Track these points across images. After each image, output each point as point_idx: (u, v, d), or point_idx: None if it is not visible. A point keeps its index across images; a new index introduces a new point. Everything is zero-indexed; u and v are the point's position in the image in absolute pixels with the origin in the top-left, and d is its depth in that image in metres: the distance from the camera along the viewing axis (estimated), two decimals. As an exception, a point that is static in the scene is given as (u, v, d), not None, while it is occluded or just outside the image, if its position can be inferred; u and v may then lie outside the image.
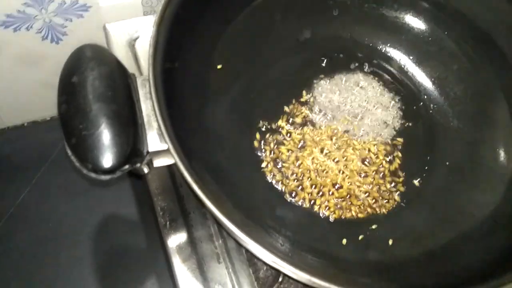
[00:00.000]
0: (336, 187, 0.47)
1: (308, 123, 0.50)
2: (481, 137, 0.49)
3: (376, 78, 0.53)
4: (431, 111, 0.52)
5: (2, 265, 0.64)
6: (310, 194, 0.46)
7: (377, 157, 0.49)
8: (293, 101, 0.51)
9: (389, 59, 0.54)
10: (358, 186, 0.47)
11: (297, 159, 0.48)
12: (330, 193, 0.47)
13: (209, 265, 0.46)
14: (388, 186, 0.48)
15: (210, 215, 0.34)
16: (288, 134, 0.49)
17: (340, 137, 0.49)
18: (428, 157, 0.50)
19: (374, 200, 0.47)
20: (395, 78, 0.53)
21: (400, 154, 0.49)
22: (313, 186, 0.47)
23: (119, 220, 0.68)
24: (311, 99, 0.51)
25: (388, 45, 0.54)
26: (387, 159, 0.49)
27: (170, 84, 0.39)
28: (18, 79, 0.63)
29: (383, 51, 0.54)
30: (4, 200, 0.68)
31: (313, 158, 0.48)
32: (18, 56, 0.59)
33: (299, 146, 0.48)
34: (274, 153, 0.48)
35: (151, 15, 0.58)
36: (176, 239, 0.47)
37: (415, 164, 0.49)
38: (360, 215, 0.46)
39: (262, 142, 0.48)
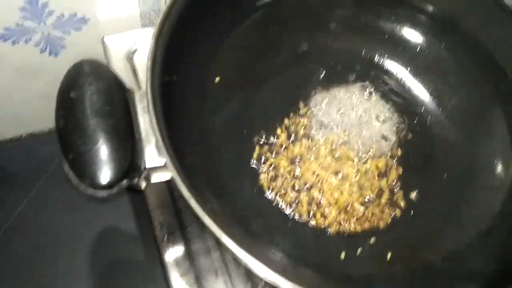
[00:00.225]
0: (334, 200, 0.47)
1: (306, 136, 0.50)
2: (479, 149, 0.49)
3: (374, 91, 0.53)
4: (428, 123, 0.52)
5: (1, 276, 0.64)
6: (308, 208, 0.46)
7: (375, 170, 0.49)
8: (291, 114, 0.51)
9: (387, 71, 0.54)
10: (357, 199, 0.47)
11: (295, 172, 0.48)
12: (328, 206, 0.46)
13: (207, 279, 0.45)
14: (387, 199, 0.48)
15: (208, 230, 0.34)
16: (286, 147, 0.49)
17: (338, 150, 0.49)
18: (426, 170, 0.50)
19: (372, 213, 0.47)
20: (392, 90, 0.53)
21: (398, 167, 0.49)
22: (311, 200, 0.47)
23: (117, 233, 0.68)
24: (309, 112, 0.51)
25: (386, 57, 0.54)
26: (385, 172, 0.49)
27: (168, 97, 0.39)
28: (17, 91, 0.63)
29: (380, 63, 0.54)
30: (1, 212, 0.68)
31: (311, 172, 0.48)
32: (17, 69, 0.59)
33: (297, 160, 0.48)
34: (272, 166, 0.48)
35: (149, 28, 0.58)
36: (173, 253, 0.47)
37: (413, 177, 0.49)
38: (358, 229, 0.46)
39: (261, 155, 0.48)
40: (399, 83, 0.54)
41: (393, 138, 0.51)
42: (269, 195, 0.46)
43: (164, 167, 0.35)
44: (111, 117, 0.33)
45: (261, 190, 0.47)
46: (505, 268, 0.41)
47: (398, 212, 0.47)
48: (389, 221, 0.47)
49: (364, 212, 0.47)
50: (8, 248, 0.65)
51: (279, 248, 0.43)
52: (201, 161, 0.43)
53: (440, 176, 0.49)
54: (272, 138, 0.49)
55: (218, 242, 0.42)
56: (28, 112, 0.67)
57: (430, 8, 0.50)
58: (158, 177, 0.39)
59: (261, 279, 0.44)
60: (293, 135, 0.50)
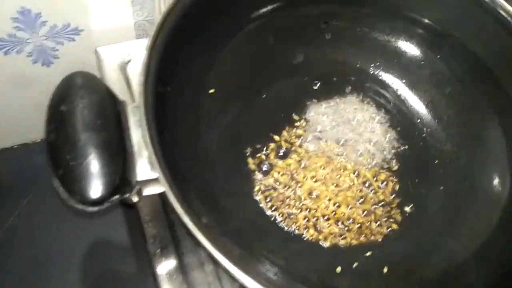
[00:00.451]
0: (330, 213, 0.46)
1: (301, 148, 0.49)
2: (475, 162, 0.49)
3: (369, 102, 0.53)
4: (424, 135, 0.52)
5: (-10, 291, 0.63)
6: (303, 221, 0.46)
7: (371, 183, 0.48)
8: (286, 126, 0.50)
9: (382, 83, 0.54)
10: (352, 213, 0.47)
11: (290, 185, 0.47)
12: (324, 220, 0.46)
13: (201, 293, 0.45)
14: (382, 212, 0.47)
15: (201, 246, 0.33)
16: (281, 160, 0.48)
17: (334, 162, 0.49)
18: (422, 182, 0.49)
19: (368, 227, 0.46)
20: (388, 102, 0.53)
21: (394, 179, 0.49)
22: (307, 213, 0.46)
23: (109, 245, 0.67)
24: (304, 124, 0.51)
25: (381, 69, 0.54)
26: (381, 184, 0.48)
27: (162, 110, 0.38)
28: (9, 102, 0.62)
29: (376, 75, 0.54)
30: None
31: (306, 185, 0.47)
32: (9, 79, 0.58)
33: (292, 172, 0.48)
34: (267, 179, 0.47)
35: (144, 39, 0.58)
36: (166, 267, 0.46)
37: (409, 189, 0.49)
38: (354, 242, 0.45)
39: (256, 168, 0.47)
40: (395, 94, 0.54)
41: (389, 150, 0.51)
42: (264, 208, 0.46)
43: (156, 180, 0.35)
44: (102, 131, 0.32)
45: (256, 204, 0.46)
46: (502, 283, 0.41)
47: (394, 225, 0.47)
48: (385, 234, 0.46)
49: (359, 226, 0.46)
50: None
51: (274, 263, 0.42)
52: (195, 175, 0.42)
53: (436, 189, 0.49)
54: (267, 151, 0.48)
55: (212, 258, 0.41)
56: (21, 122, 0.66)
57: (425, 20, 0.50)
58: (150, 191, 0.38)
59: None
60: (288, 148, 0.49)
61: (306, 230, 0.45)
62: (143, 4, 0.54)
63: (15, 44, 0.53)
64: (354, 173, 0.49)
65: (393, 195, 0.48)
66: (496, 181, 0.47)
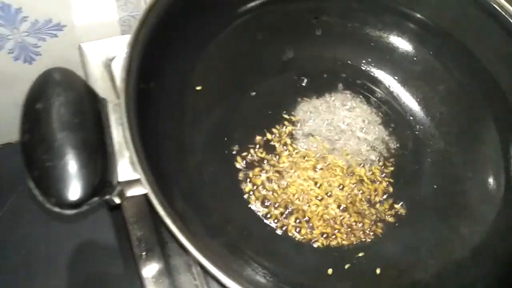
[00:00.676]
0: (321, 214, 0.45)
1: (291, 146, 0.48)
2: (469, 160, 0.48)
3: (361, 99, 0.52)
4: (417, 132, 0.51)
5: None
6: (293, 222, 0.44)
7: (363, 182, 0.47)
8: (276, 124, 0.49)
9: (374, 80, 0.53)
10: (344, 213, 0.45)
11: (280, 184, 0.46)
12: (315, 220, 0.45)
13: (188, 296, 0.43)
14: (375, 211, 0.46)
15: (185, 249, 0.32)
16: (271, 159, 0.47)
17: (324, 161, 0.47)
18: (415, 180, 0.48)
19: (360, 227, 0.45)
20: (380, 99, 0.52)
21: (386, 178, 0.48)
22: (297, 213, 0.45)
23: (96, 246, 0.65)
24: (294, 121, 0.49)
25: (373, 65, 0.53)
26: (373, 183, 0.47)
27: (145, 108, 0.37)
28: (-9, 100, 0.60)
29: (367, 71, 0.53)
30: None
31: (296, 184, 0.46)
32: (-10, 77, 0.56)
33: (282, 171, 0.46)
34: (256, 178, 0.46)
35: (129, 35, 0.56)
36: (152, 270, 0.44)
37: (402, 188, 0.47)
38: (345, 243, 0.44)
39: (244, 167, 0.46)
40: (387, 91, 0.53)
41: (381, 148, 0.49)
42: (254, 208, 0.45)
43: (139, 181, 0.33)
44: (80, 130, 0.31)
45: (244, 204, 0.45)
46: (499, 283, 0.40)
47: (387, 225, 0.45)
48: (378, 235, 0.45)
49: (351, 226, 0.45)
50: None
51: (263, 265, 0.41)
52: (180, 175, 0.41)
53: (430, 188, 0.48)
54: (256, 150, 0.47)
55: (197, 263, 0.40)
56: (3, 121, 0.64)
57: (416, 15, 0.49)
58: (134, 191, 0.36)
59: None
60: (277, 146, 0.48)
61: (297, 231, 0.44)
62: (127, -1, 0.53)
63: (-5, 40, 0.51)
64: (345, 172, 0.47)
65: (386, 195, 0.47)
66: (490, 179, 0.46)
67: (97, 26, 0.54)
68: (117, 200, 0.35)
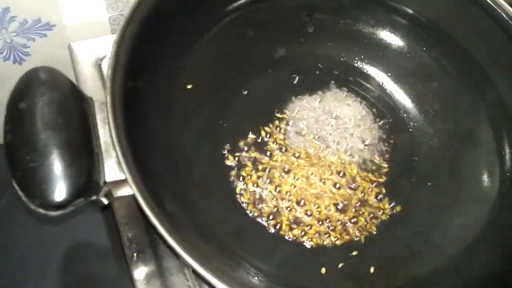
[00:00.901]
0: (314, 213, 0.44)
1: (283, 145, 0.47)
2: (464, 157, 0.47)
3: (354, 96, 0.51)
4: (411, 130, 0.50)
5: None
6: (286, 221, 0.44)
7: (356, 180, 0.47)
8: (268, 122, 0.48)
9: (367, 77, 0.52)
10: (337, 211, 0.45)
11: (272, 183, 0.45)
12: (308, 219, 0.44)
13: (180, 299, 0.43)
14: (368, 209, 0.45)
15: (174, 251, 0.31)
16: (263, 158, 0.46)
17: (317, 159, 0.47)
18: (410, 178, 0.48)
19: (354, 225, 0.45)
20: (373, 96, 0.51)
21: (380, 176, 0.47)
22: (290, 213, 0.44)
23: (89, 247, 0.64)
24: (287, 119, 0.49)
25: (366, 62, 0.52)
26: (367, 181, 0.47)
27: (133, 106, 0.36)
28: (-19, 101, 0.60)
29: (360, 68, 0.52)
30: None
31: (289, 183, 0.45)
32: (-21, 78, 0.56)
33: (274, 170, 0.46)
34: (247, 178, 0.45)
35: (119, 34, 0.55)
36: (144, 272, 0.44)
37: (396, 186, 0.47)
38: (338, 242, 0.44)
39: (235, 166, 0.46)
40: (380, 88, 0.52)
41: (374, 145, 0.49)
42: (245, 208, 0.44)
43: (126, 181, 0.33)
44: (64, 130, 0.30)
45: (236, 204, 0.44)
46: (493, 281, 0.40)
47: (381, 223, 0.45)
48: (372, 233, 0.45)
49: (344, 224, 0.44)
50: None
51: (255, 266, 0.41)
52: (169, 174, 0.40)
53: (424, 185, 0.47)
54: (247, 148, 0.47)
55: (186, 265, 0.39)
56: (-6, 122, 0.64)
57: (409, 10, 0.49)
58: (123, 192, 0.36)
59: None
60: (270, 145, 0.47)
61: (289, 230, 0.44)
62: (117, -3, 0.52)
63: (-16, 41, 0.50)
64: (339, 171, 0.47)
65: (379, 193, 0.46)
66: (485, 176, 0.45)
67: (87, 26, 0.54)
68: (105, 201, 0.35)
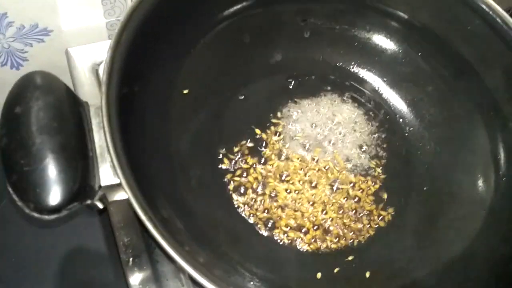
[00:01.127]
0: (310, 217, 0.44)
1: (279, 150, 0.47)
2: (459, 161, 0.47)
3: (350, 101, 0.51)
4: (407, 134, 0.51)
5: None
6: (282, 226, 0.44)
7: (352, 185, 0.47)
8: (264, 127, 0.48)
9: (363, 81, 0.53)
10: (333, 216, 0.45)
11: (267, 188, 0.45)
12: (304, 224, 0.44)
13: (175, 303, 0.43)
14: (364, 215, 0.46)
15: (169, 256, 0.31)
16: (259, 163, 0.46)
17: (313, 164, 0.47)
18: (406, 183, 0.48)
19: (349, 231, 0.45)
20: (369, 101, 0.52)
21: (376, 181, 0.47)
22: (285, 218, 0.44)
23: (86, 253, 0.64)
24: (282, 125, 0.49)
25: (361, 67, 0.53)
26: (363, 186, 0.47)
27: (128, 111, 0.37)
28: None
29: (356, 73, 0.53)
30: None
31: (285, 188, 0.45)
32: (-23, 83, 0.56)
33: (270, 174, 0.46)
34: (243, 183, 0.45)
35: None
36: (139, 277, 0.44)
37: (392, 190, 0.47)
38: (334, 246, 0.44)
39: (231, 170, 0.46)
40: (376, 93, 0.52)
41: (370, 151, 0.49)
42: (241, 213, 0.44)
43: (121, 186, 0.33)
44: (59, 134, 0.30)
45: (232, 208, 0.44)
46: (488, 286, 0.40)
47: (376, 229, 0.45)
48: (367, 238, 0.45)
49: (340, 230, 0.45)
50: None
51: (251, 271, 0.41)
52: (164, 179, 0.40)
53: (420, 190, 0.47)
54: (243, 153, 0.47)
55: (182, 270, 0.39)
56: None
57: (405, 16, 0.49)
58: (118, 196, 0.36)
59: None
60: (266, 149, 0.47)
61: (285, 235, 0.44)
62: (114, 3, 0.52)
63: (-19, 46, 0.51)
64: (334, 175, 0.47)
65: (375, 197, 0.47)
66: (480, 181, 0.45)
67: (84, 31, 0.54)
68: (100, 205, 0.35)
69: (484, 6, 0.44)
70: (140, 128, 0.39)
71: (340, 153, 0.48)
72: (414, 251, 0.44)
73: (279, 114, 0.49)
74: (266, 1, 0.48)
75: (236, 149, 0.47)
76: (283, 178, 0.46)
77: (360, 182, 0.47)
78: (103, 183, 0.33)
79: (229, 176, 0.45)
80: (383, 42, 0.52)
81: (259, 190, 0.45)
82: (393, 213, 0.46)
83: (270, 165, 0.46)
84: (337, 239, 0.44)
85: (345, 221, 0.45)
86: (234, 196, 0.45)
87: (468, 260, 0.42)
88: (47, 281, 0.62)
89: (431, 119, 0.50)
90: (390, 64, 0.52)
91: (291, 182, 0.46)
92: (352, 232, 0.45)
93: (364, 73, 0.53)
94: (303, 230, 0.44)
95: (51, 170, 0.29)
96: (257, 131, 0.48)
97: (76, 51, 0.52)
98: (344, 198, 0.46)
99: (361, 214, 0.46)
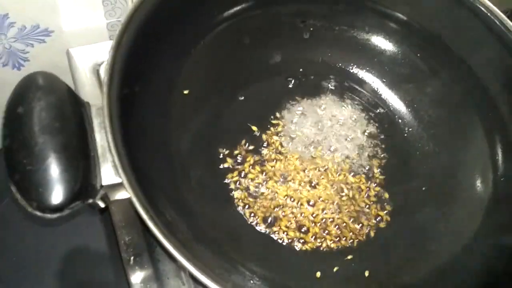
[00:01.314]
0: (310, 217, 0.45)
1: (279, 150, 0.48)
2: (458, 162, 0.48)
3: (349, 101, 0.52)
4: (406, 135, 0.51)
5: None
6: (282, 226, 0.44)
7: (352, 185, 0.47)
8: (264, 127, 0.49)
9: (362, 82, 0.53)
10: (333, 216, 0.45)
11: (268, 187, 0.46)
12: (304, 224, 0.45)
13: (176, 302, 0.43)
14: (364, 214, 0.46)
15: (169, 254, 0.31)
16: (259, 163, 0.47)
17: (313, 164, 0.47)
18: (405, 183, 0.48)
19: (349, 230, 0.45)
20: (368, 102, 0.52)
21: (376, 181, 0.48)
22: (285, 217, 0.45)
23: (87, 252, 0.65)
24: (282, 125, 0.49)
25: (361, 68, 0.53)
26: (362, 187, 0.47)
27: (129, 111, 0.37)
28: (-21, 106, 0.60)
29: (355, 73, 0.53)
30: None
31: (285, 188, 0.46)
32: (-22, 83, 0.56)
33: (270, 174, 0.46)
34: (243, 183, 0.46)
35: (117, 40, 0.56)
36: (141, 275, 0.44)
37: (391, 191, 0.47)
38: (333, 246, 0.44)
39: (231, 170, 0.46)
40: (375, 94, 0.53)
41: (369, 151, 0.49)
42: (241, 212, 0.44)
43: (122, 185, 0.33)
44: (61, 134, 0.30)
45: (232, 207, 0.45)
46: (485, 285, 0.40)
47: (375, 228, 0.45)
48: (367, 238, 0.45)
49: (340, 229, 0.45)
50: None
51: (251, 270, 0.41)
52: (165, 179, 0.41)
53: (419, 190, 0.48)
54: (243, 153, 0.47)
55: (182, 268, 0.39)
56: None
57: (403, 18, 0.49)
58: (120, 195, 0.36)
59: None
60: (265, 149, 0.48)
61: (285, 234, 0.44)
62: (115, 4, 0.53)
63: (-17, 46, 0.51)
64: (334, 176, 0.47)
65: (374, 197, 0.47)
66: (478, 181, 0.46)
67: (85, 32, 0.54)
68: (102, 204, 0.35)
69: (482, 8, 0.45)
70: (141, 128, 0.39)
71: (340, 153, 0.49)
72: (413, 250, 0.44)
73: (278, 115, 0.50)
74: (265, 2, 0.49)
75: (236, 149, 0.47)
76: (282, 177, 0.46)
77: (359, 182, 0.47)
78: (104, 183, 0.34)
79: (229, 176, 0.46)
80: (382, 43, 0.52)
81: (259, 190, 0.46)
82: (392, 212, 0.46)
83: (270, 165, 0.47)
84: (337, 238, 0.45)
85: (344, 221, 0.45)
86: (234, 196, 0.45)
87: (467, 259, 0.42)
88: (48, 280, 0.62)
89: (430, 120, 0.51)
90: (389, 65, 0.52)
91: (291, 182, 0.46)
92: (351, 232, 0.45)
93: (363, 74, 0.53)
94: (302, 230, 0.44)
95: (54, 169, 0.30)
96: (257, 131, 0.48)
97: (77, 51, 0.52)
98: (343, 198, 0.46)
99: (360, 214, 0.46)
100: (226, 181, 0.46)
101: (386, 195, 0.47)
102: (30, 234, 0.64)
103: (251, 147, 0.47)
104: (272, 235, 0.44)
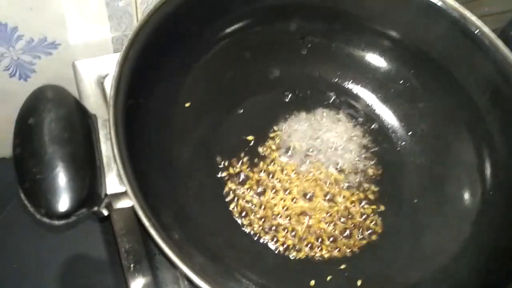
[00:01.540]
0: (305, 227, 0.46)
1: (276, 162, 0.49)
2: (447, 175, 0.49)
3: (344, 116, 0.53)
4: (398, 149, 0.53)
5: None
6: (277, 235, 0.46)
7: (346, 196, 0.49)
8: (262, 140, 0.50)
9: (357, 97, 0.55)
10: (327, 227, 0.47)
11: (265, 198, 0.47)
12: (298, 234, 0.46)
13: (175, 309, 0.44)
14: (356, 225, 0.47)
15: (170, 261, 0.33)
16: (256, 174, 0.48)
17: (308, 177, 0.49)
18: (397, 195, 0.50)
19: (342, 240, 0.46)
20: (362, 116, 0.54)
21: (368, 194, 0.49)
22: (281, 226, 0.46)
23: (87, 259, 0.66)
24: (280, 138, 0.51)
25: (356, 83, 0.55)
26: (355, 198, 0.49)
27: (133, 123, 0.39)
28: (-15, 115, 0.62)
29: (350, 89, 0.55)
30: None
31: (281, 199, 0.47)
32: (-14, 93, 0.58)
33: (267, 186, 0.48)
34: (241, 193, 0.47)
35: (122, 53, 0.58)
36: (141, 282, 0.45)
37: (384, 203, 0.49)
38: (327, 255, 0.46)
39: (230, 183, 0.48)
40: (369, 108, 0.54)
41: (363, 164, 0.51)
42: (239, 222, 0.46)
43: (126, 194, 0.35)
44: (69, 145, 0.32)
45: (230, 217, 0.46)
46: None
47: (368, 238, 0.47)
48: (359, 248, 0.46)
49: (333, 239, 0.46)
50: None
51: (247, 277, 0.42)
52: (167, 189, 0.42)
53: (411, 202, 0.49)
54: (241, 165, 0.49)
55: (183, 275, 0.41)
56: (-3, 136, 0.66)
57: (397, 36, 0.51)
58: (123, 203, 0.38)
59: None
60: (263, 161, 0.49)
61: (281, 244, 0.45)
62: (120, 19, 0.55)
63: (-9, 58, 0.53)
64: (329, 188, 0.49)
65: (368, 209, 0.48)
66: (467, 194, 0.47)
67: (91, 45, 0.56)
68: (105, 212, 0.37)
69: (472, 28, 0.46)
70: (144, 138, 0.41)
71: (335, 166, 0.50)
72: (404, 261, 0.46)
73: (276, 127, 0.52)
74: (266, 20, 0.50)
75: (234, 161, 0.49)
76: (279, 188, 0.48)
77: (353, 195, 0.49)
78: (109, 191, 0.35)
79: (227, 186, 0.47)
80: (377, 60, 0.54)
81: (256, 200, 0.47)
82: (384, 224, 0.48)
83: (267, 176, 0.48)
84: (331, 248, 0.46)
85: (338, 232, 0.47)
86: (231, 206, 0.46)
87: (456, 268, 0.43)
88: (49, 287, 0.63)
89: (422, 134, 0.52)
90: (383, 81, 0.54)
91: (286, 192, 0.48)
92: (345, 242, 0.47)
93: (359, 89, 0.55)
94: (297, 239, 0.46)
95: (62, 178, 0.31)
96: (255, 143, 0.50)
97: (83, 64, 0.54)
98: (338, 210, 0.48)
99: (354, 225, 0.47)
100: (224, 190, 0.47)
101: (380, 207, 0.49)
102: (31, 241, 0.65)
103: (249, 159, 0.49)
104: (268, 244, 0.45)
